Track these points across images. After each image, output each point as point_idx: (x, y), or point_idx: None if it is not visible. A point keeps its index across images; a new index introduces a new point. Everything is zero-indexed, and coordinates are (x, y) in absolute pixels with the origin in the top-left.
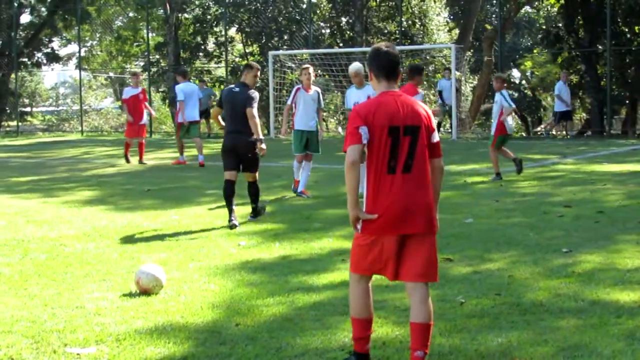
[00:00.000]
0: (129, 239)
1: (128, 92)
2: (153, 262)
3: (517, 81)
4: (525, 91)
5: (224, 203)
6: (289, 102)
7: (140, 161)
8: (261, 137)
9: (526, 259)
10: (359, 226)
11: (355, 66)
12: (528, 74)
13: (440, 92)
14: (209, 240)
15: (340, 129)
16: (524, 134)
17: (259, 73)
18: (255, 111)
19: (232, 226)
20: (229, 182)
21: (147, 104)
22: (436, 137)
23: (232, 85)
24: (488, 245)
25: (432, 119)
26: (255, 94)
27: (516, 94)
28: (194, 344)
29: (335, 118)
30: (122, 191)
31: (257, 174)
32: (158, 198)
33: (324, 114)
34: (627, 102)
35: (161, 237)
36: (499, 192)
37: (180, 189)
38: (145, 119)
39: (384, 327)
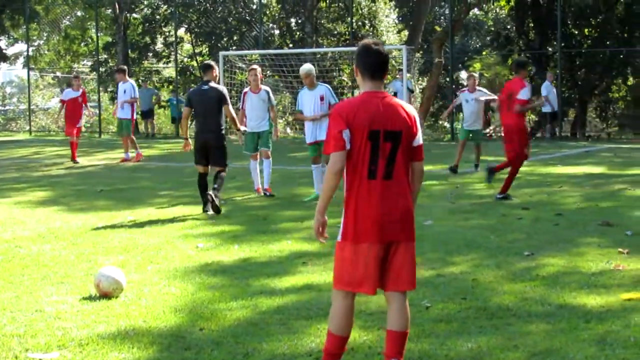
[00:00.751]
0: (84, 241)
1: (68, 94)
2: (111, 264)
3: (464, 83)
4: None
5: (177, 204)
6: (241, 108)
7: (74, 159)
8: (242, 128)
9: (489, 262)
10: (321, 238)
11: (306, 67)
12: (476, 75)
13: (395, 94)
14: (166, 242)
15: (289, 130)
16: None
17: (216, 70)
18: (231, 107)
19: (207, 211)
20: (202, 175)
21: (87, 105)
22: (419, 140)
23: (199, 85)
24: (449, 247)
25: (417, 121)
26: (225, 90)
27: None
28: (158, 349)
29: (283, 119)
30: (75, 192)
31: (225, 168)
32: (111, 199)
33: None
34: (576, 104)
35: (117, 239)
36: (456, 194)
37: (133, 190)
38: (82, 122)
39: (352, 332)
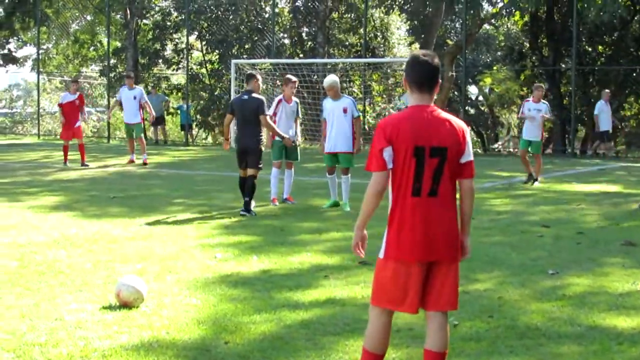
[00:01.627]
0: (100, 248)
1: (65, 98)
2: (128, 273)
3: (473, 97)
4: (483, 108)
5: (192, 213)
6: (270, 113)
7: (83, 163)
8: (284, 135)
9: (513, 280)
10: (361, 251)
11: (329, 79)
12: (486, 90)
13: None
14: (183, 251)
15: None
16: (479, 150)
17: (260, 81)
18: (268, 117)
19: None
20: (241, 178)
21: (84, 108)
22: (468, 156)
23: (241, 94)
24: (472, 264)
25: (467, 136)
26: (263, 100)
27: (472, 110)
28: None
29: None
30: (88, 197)
31: (257, 172)
32: (125, 206)
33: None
34: (587, 120)
35: (133, 247)
36: (473, 209)
37: (146, 197)
38: (79, 123)
39: None
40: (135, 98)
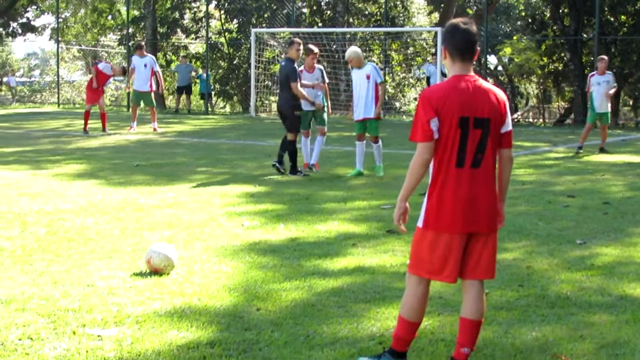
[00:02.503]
0: (127, 216)
1: (105, 68)
2: (157, 240)
3: (492, 67)
4: (502, 78)
5: (217, 182)
6: (297, 81)
7: (104, 130)
8: (312, 100)
9: (541, 250)
10: (402, 226)
11: (348, 52)
12: (506, 60)
13: (428, 78)
14: (210, 219)
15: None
16: None
17: (300, 47)
18: (297, 84)
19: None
20: (283, 138)
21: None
22: (508, 126)
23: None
24: (500, 234)
25: (507, 106)
26: (295, 67)
27: (491, 80)
28: (217, 329)
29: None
30: (111, 165)
31: (295, 135)
32: (149, 174)
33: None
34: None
35: (160, 215)
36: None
37: (171, 165)
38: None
39: None
40: (146, 66)
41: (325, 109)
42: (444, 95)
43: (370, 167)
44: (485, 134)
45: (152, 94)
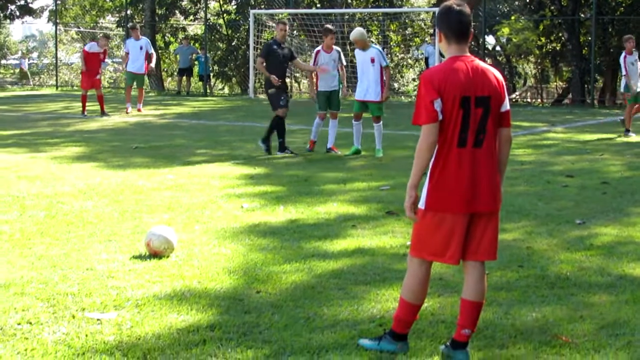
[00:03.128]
0: (126, 198)
1: (92, 47)
2: (156, 223)
3: (490, 47)
4: (500, 58)
5: (216, 163)
6: (311, 63)
7: (103, 112)
8: (269, 74)
9: (541, 230)
10: (413, 215)
11: (353, 33)
12: (503, 40)
13: (426, 59)
14: (210, 201)
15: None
16: None
17: (285, 28)
18: (261, 60)
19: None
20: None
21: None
22: (507, 105)
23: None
24: (499, 214)
25: (504, 86)
26: (267, 44)
27: (489, 60)
28: (217, 312)
29: (308, 79)
30: (110, 148)
31: (275, 111)
32: (148, 156)
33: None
34: (605, 70)
35: (160, 197)
36: None
37: (169, 148)
38: (99, 75)
39: None
40: (141, 48)
41: (340, 92)
42: (445, 76)
43: (372, 148)
44: (486, 113)
45: (146, 76)
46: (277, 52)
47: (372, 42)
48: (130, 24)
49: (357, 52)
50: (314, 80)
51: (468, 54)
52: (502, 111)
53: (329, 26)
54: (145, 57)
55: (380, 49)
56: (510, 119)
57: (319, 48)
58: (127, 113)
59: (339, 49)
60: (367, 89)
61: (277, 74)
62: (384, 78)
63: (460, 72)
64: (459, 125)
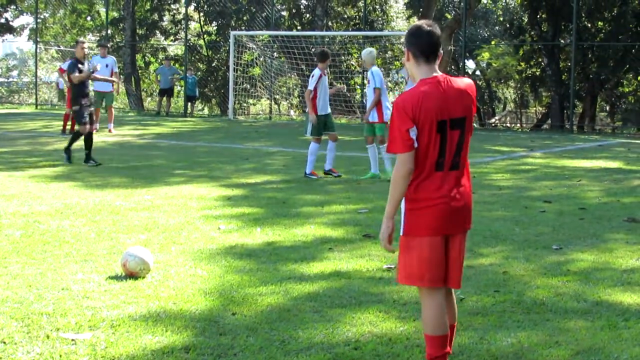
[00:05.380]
0: (104, 218)
1: (70, 65)
2: (133, 243)
3: (470, 72)
4: (480, 82)
5: (194, 184)
6: (311, 87)
7: (72, 132)
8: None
9: (517, 255)
10: (390, 246)
11: (364, 51)
12: (484, 64)
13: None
14: (187, 222)
15: (292, 112)
16: (475, 125)
17: (85, 46)
18: (70, 76)
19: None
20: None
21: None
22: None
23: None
24: (475, 238)
25: (475, 93)
26: (71, 65)
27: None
28: (192, 333)
29: (287, 101)
30: (88, 167)
31: (80, 126)
32: (126, 176)
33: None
34: (585, 96)
35: (137, 218)
36: (474, 183)
37: (148, 168)
38: None
39: (387, 322)
40: (107, 66)
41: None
42: (418, 102)
43: (351, 171)
44: (461, 134)
45: (114, 93)
46: (81, 70)
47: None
48: (100, 42)
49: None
50: (313, 103)
51: (438, 73)
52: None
53: (326, 49)
54: (110, 75)
55: (376, 70)
56: (472, 127)
57: (320, 72)
58: (95, 131)
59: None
60: (371, 110)
61: (81, 90)
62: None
63: (433, 96)
64: (437, 150)
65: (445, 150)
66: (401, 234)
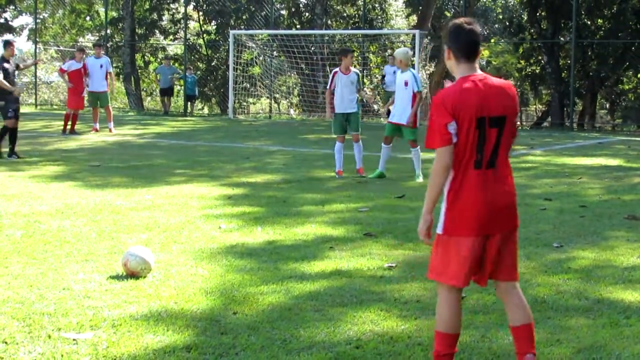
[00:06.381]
0: (104, 218)
1: (72, 66)
2: (134, 243)
3: None
4: None
5: (194, 184)
6: (328, 87)
7: (73, 131)
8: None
9: (518, 253)
10: (427, 239)
11: (400, 51)
12: (483, 62)
13: (383, 77)
14: (188, 222)
15: (292, 112)
16: None
17: (15, 46)
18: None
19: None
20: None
21: (86, 77)
22: (517, 118)
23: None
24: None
25: (518, 99)
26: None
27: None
28: (194, 333)
29: (287, 100)
30: (89, 167)
31: (5, 121)
32: (126, 176)
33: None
34: (586, 94)
35: (138, 217)
36: None
37: (148, 167)
38: (84, 92)
39: (388, 320)
40: (102, 67)
41: (358, 114)
42: (458, 98)
43: (354, 169)
44: (500, 133)
45: (108, 94)
46: (8, 68)
47: (412, 64)
48: (95, 41)
49: (397, 72)
50: (329, 99)
51: (478, 72)
52: (515, 127)
53: (347, 47)
54: (105, 77)
55: (416, 73)
56: (516, 129)
57: (336, 69)
58: (96, 131)
59: (357, 70)
60: (399, 112)
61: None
62: (413, 103)
63: (473, 93)
64: (474, 147)
65: (483, 148)
66: (439, 232)
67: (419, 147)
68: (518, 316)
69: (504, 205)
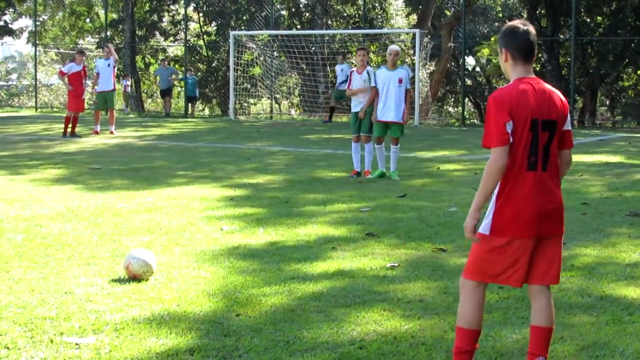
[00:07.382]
0: (106, 221)
1: (72, 68)
2: (136, 245)
3: (470, 68)
4: (480, 79)
5: (196, 185)
6: (347, 87)
7: (73, 134)
8: None
9: None
10: (475, 236)
11: (395, 47)
12: (483, 61)
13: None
14: (190, 223)
15: (293, 112)
16: (475, 121)
17: None
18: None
19: None
20: None
21: (86, 80)
22: (569, 126)
23: None
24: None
25: (568, 108)
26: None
27: (469, 81)
28: (197, 335)
29: (288, 101)
30: (90, 170)
31: None
32: (127, 178)
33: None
34: (586, 92)
35: (139, 220)
36: (475, 179)
37: (149, 169)
38: (84, 95)
39: (392, 320)
40: (109, 65)
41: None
42: (515, 98)
43: (350, 169)
44: (551, 136)
45: (114, 94)
46: None
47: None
48: (102, 42)
49: (382, 70)
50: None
51: (533, 75)
52: (564, 129)
53: (362, 45)
54: (112, 75)
55: (408, 71)
56: (572, 140)
57: (353, 69)
58: (97, 133)
59: (370, 68)
60: (390, 109)
61: None
62: (406, 100)
63: (529, 94)
64: (528, 148)
65: (537, 150)
66: (484, 231)
67: (399, 145)
68: (543, 318)
69: (554, 209)
